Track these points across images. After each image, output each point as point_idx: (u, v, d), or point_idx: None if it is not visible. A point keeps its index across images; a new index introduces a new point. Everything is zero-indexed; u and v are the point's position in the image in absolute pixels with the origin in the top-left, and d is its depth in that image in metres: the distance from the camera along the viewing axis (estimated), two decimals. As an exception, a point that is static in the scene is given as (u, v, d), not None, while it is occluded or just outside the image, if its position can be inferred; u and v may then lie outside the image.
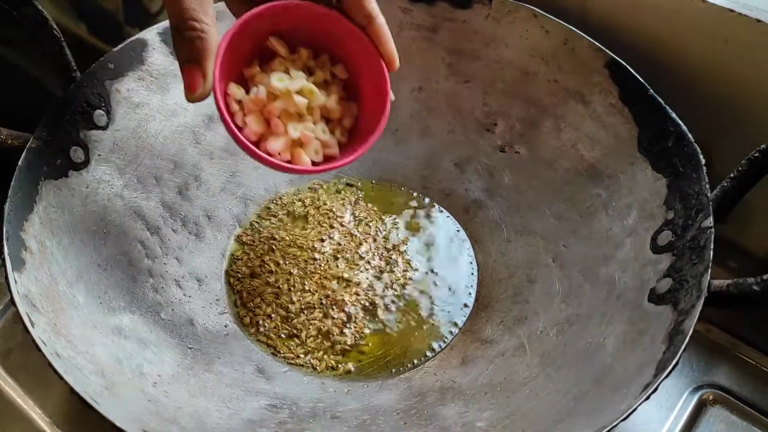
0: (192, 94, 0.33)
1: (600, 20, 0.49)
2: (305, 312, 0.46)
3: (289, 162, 0.37)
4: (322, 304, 0.47)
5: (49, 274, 0.39)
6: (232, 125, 0.36)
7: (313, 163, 0.38)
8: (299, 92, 0.37)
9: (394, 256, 0.49)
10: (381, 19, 0.36)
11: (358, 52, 0.38)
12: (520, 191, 0.50)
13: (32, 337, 0.34)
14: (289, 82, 0.37)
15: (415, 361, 0.44)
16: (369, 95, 0.39)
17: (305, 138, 0.38)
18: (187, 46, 0.33)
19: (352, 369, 0.44)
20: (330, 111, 0.39)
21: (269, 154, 0.37)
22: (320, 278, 0.48)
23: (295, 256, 0.49)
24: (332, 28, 0.37)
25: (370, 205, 0.53)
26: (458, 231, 0.51)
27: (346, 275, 0.48)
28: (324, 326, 0.46)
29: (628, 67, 0.45)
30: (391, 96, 0.38)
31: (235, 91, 0.37)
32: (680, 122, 0.42)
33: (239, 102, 0.37)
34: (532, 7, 0.49)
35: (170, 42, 0.49)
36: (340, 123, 0.40)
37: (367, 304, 0.47)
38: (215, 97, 0.35)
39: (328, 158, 0.39)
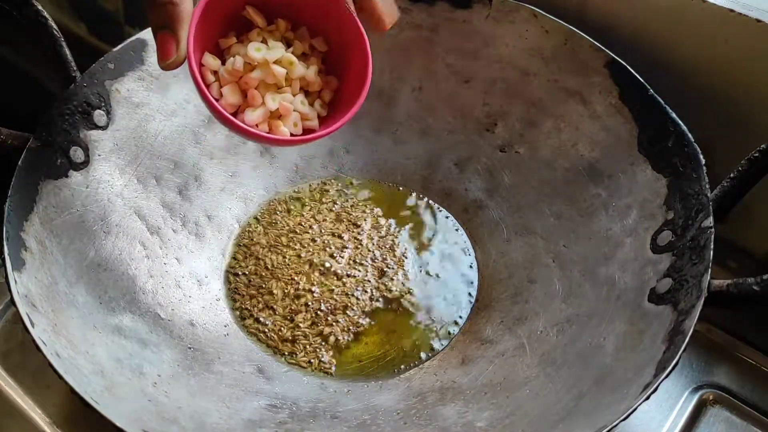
0: (165, 61, 0.33)
1: (600, 20, 0.49)
2: (305, 312, 0.46)
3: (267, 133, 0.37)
4: (321, 303, 0.47)
5: (49, 274, 0.39)
6: (207, 94, 0.35)
7: (292, 136, 0.37)
8: (278, 62, 0.36)
9: (393, 256, 0.49)
10: None
11: (340, 24, 0.37)
12: (520, 191, 0.50)
13: (32, 337, 0.34)
14: (267, 52, 0.36)
15: (415, 361, 0.44)
16: (351, 69, 0.38)
17: (284, 109, 0.36)
18: (159, 12, 0.32)
19: (336, 364, 0.44)
20: (309, 83, 0.38)
21: (246, 125, 0.36)
22: (320, 278, 0.48)
23: (294, 255, 0.49)
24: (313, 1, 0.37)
25: (369, 205, 0.53)
26: (458, 231, 0.51)
27: (345, 275, 0.48)
28: (324, 326, 0.46)
29: (628, 67, 0.45)
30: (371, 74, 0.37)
31: (211, 61, 0.36)
32: (680, 122, 0.42)
33: (215, 73, 0.36)
34: (532, 7, 0.49)
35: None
36: (319, 96, 0.39)
37: (366, 304, 0.47)
38: (189, 66, 0.34)
39: (307, 131, 0.38)
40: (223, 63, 0.36)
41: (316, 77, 0.38)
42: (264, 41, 0.37)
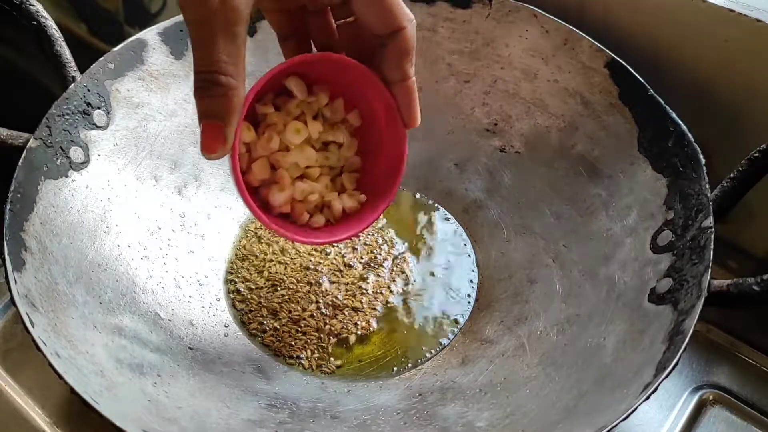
0: (209, 154, 0.31)
1: (600, 20, 0.49)
2: (305, 312, 0.46)
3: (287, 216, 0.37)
4: (321, 304, 0.47)
5: (49, 274, 0.39)
6: (248, 197, 0.34)
7: (312, 231, 0.38)
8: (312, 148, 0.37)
9: (393, 257, 0.49)
10: (413, 80, 0.35)
11: (379, 108, 0.36)
12: (520, 191, 0.50)
13: (32, 337, 0.34)
14: (305, 140, 0.36)
15: (415, 361, 0.44)
16: (383, 152, 0.38)
17: (308, 198, 0.37)
18: (211, 100, 0.30)
19: (336, 364, 0.44)
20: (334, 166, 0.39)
21: (270, 206, 0.36)
22: (320, 278, 0.48)
23: (294, 256, 0.49)
24: (358, 81, 0.35)
25: (370, 205, 0.53)
26: (458, 231, 0.51)
27: (345, 276, 0.48)
28: (324, 326, 0.46)
29: (628, 67, 0.45)
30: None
31: (246, 134, 0.35)
32: (680, 122, 0.42)
33: (247, 144, 0.35)
34: (532, 7, 0.49)
35: (170, 42, 0.49)
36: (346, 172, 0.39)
37: (367, 304, 0.47)
38: (232, 161, 0.33)
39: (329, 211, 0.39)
40: (255, 126, 0.36)
41: (347, 155, 0.38)
42: (301, 114, 0.36)
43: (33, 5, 0.45)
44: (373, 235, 0.51)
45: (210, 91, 0.30)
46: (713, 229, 0.38)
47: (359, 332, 0.46)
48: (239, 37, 0.29)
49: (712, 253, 0.37)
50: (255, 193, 0.37)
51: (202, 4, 0.28)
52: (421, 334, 0.46)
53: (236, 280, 0.48)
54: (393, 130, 0.37)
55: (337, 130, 0.38)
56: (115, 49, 0.47)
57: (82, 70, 0.45)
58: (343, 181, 0.39)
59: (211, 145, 0.30)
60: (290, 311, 0.46)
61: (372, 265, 0.49)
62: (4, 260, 0.37)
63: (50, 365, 0.33)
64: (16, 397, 0.43)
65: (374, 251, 0.50)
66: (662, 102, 0.43)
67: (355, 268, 0.49)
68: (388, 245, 0.50)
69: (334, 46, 0.36)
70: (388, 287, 0.48)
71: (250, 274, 0.48)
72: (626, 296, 0.41)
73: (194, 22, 0.29)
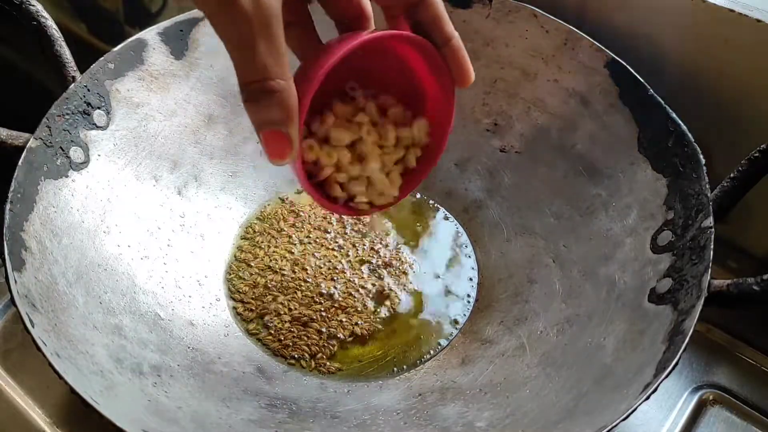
0: (280, 160, 0.30)
1: (599, 20, 0.49)
2: (305, 312, 0.46)
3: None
4: (321, 304, 0.47)
5: (49, 274, 0.39)
6: (312, 191, 0.34)
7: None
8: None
9: (393, 257, 0.49)
10: (457, 37, 0.33)
11: (429, 75, 0.35)
12: (520, 191, 0.50)
13: (32, 337, 0.34)
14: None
15: (415, 361, 0.44)
16: (428, 113, 0.37)
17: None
18: (266, 109, 0.29)
19: (336, 364, 0.44)
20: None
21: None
22: (320, 278, 0.48)
23: (294, 256, 0.49)
24: (411, 53, 0.34)
25: (370, 205, 0.53)
26: (458, 231, 0.51)
27: (345, 276, 0.48)
28: (324, 326, 0.46)
29: (628, 67, 0.45)
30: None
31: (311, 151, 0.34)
32: (680, 122, 0.42)
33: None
34: (532, 7, 0.49)
35: (170, 42, 0.49)
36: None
37: (367, 304, 0.47)
38: (297, 168, 0.32)
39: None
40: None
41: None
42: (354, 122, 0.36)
43: (33, 5, 0.45)
44: (374, 235, 0.51)
45: (263, 101, 0.28)
46: (713, 229, 0.38)
47: (359, 332, 0.46)
48: (278, 36, 0.28)
49: (712, 253, 0.37)
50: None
51: (234, 13, 0.27)
52: (421, 334, 0.46)
53: (236, 280, 0.48)
54: (439, 89, 0.36)
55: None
56: (115, 49, 0.47)
57: (82, 70, 0.45)
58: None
59: (279, 152, 0.29)
60: (290, 311, 0.46)
61: (372, 265, 0.49)
62: (4, 260, 0.37)
63: (50, 365, 0.33)
64: (16, 397, 0.43)
65: (375, 252, 0.50)
66: (662, 102, 0.43)
67: (356, 269, 0.49)
68: (388, 246, 0.50)
69: (358, 21, 0.34)
70: (389, 288, 0.48)
71: (251, 274, 0.48)
72: (626, 296, 0.41)
73: (230, 33, 0.28)
